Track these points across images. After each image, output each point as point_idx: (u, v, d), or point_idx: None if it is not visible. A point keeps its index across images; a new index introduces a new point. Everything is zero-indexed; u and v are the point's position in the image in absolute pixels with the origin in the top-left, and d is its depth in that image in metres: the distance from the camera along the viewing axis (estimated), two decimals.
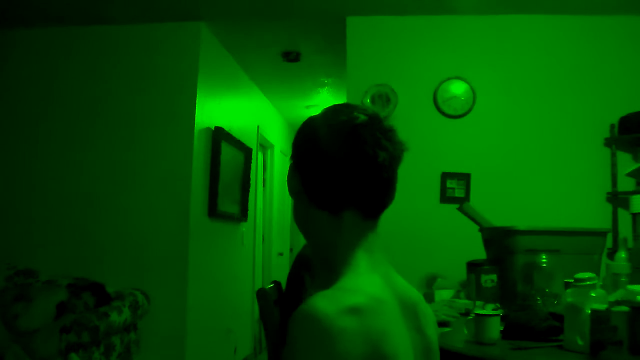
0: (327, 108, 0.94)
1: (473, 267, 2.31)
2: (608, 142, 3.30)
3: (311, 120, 0.94)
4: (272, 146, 5.81)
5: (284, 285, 2.19)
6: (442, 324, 2.00)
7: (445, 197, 3.36)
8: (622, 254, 2.12)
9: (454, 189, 3.36)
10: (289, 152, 1.08)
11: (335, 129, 0.88)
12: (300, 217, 0.95)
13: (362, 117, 0.88)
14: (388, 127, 0.89)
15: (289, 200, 5.87)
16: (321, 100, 5.37)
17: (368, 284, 0.85)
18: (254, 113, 5.01)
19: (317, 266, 0.94)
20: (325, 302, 0.78)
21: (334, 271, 0.88)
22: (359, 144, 0.86)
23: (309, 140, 0.91)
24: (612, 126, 3.28)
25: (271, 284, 2.28)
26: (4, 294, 2.66)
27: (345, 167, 0.86)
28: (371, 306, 0.81)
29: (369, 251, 0.90)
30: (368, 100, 3.45)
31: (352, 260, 0.88)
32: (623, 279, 2.01)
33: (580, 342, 1.52)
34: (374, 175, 0.87)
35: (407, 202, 3.30)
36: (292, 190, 0.94)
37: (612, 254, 2.40)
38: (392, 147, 0.88)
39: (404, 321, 0.87)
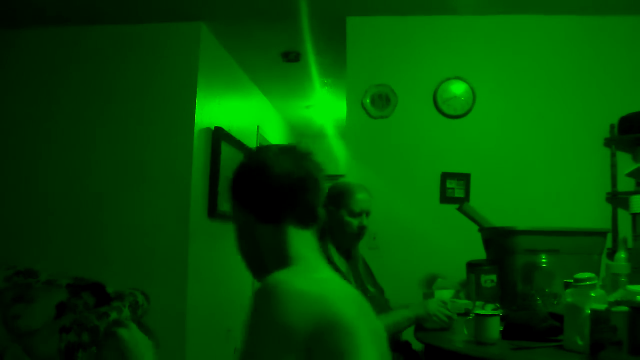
0: (250, 153, 1.12)
1: (473, 267, 2.31)
2: (608, 143, 3.30)
3: (249, 161, 1.09)
4: None
5: None
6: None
7: (445, 198, 3.36)
8: (622, 254, 2.11)
9: (454, 189, 3.36)
10: None
11: (274, 159, 1.04)
12: (251, 243, 1.06)
13: (289, 147, 1.07)
14: (309, 151, 1.08)
15: None
16: (321, 100, 5.36)
17: (324, 268, 1.01)
18: (254, 113, 5.00)
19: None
20: (285, 273, 0.92)
21: (287, 267, 0.99)
22: (297, 167, 1.03)
23: (256, 173, 1.04)
24: (612, 126, 3.28)
25: None
26: (4, 294, 2.65)
27: (290, 185, 1.02)
28: (332, 278, 0.96)
29: (314, 252, 1.04)
30: (368, 101, 3.45)
31: (303, 256, 1.00)
32: (623, 279, 2.01)
33: (580, 342, 1.52)
34: (312, 190, 1.04)
35: (407, 202, 3.30)
36: (239, 223, 1.07)
37: (612, 254, 2.40)
38: (316, 167, 1.06)
39: (357, 306, 0.92)
